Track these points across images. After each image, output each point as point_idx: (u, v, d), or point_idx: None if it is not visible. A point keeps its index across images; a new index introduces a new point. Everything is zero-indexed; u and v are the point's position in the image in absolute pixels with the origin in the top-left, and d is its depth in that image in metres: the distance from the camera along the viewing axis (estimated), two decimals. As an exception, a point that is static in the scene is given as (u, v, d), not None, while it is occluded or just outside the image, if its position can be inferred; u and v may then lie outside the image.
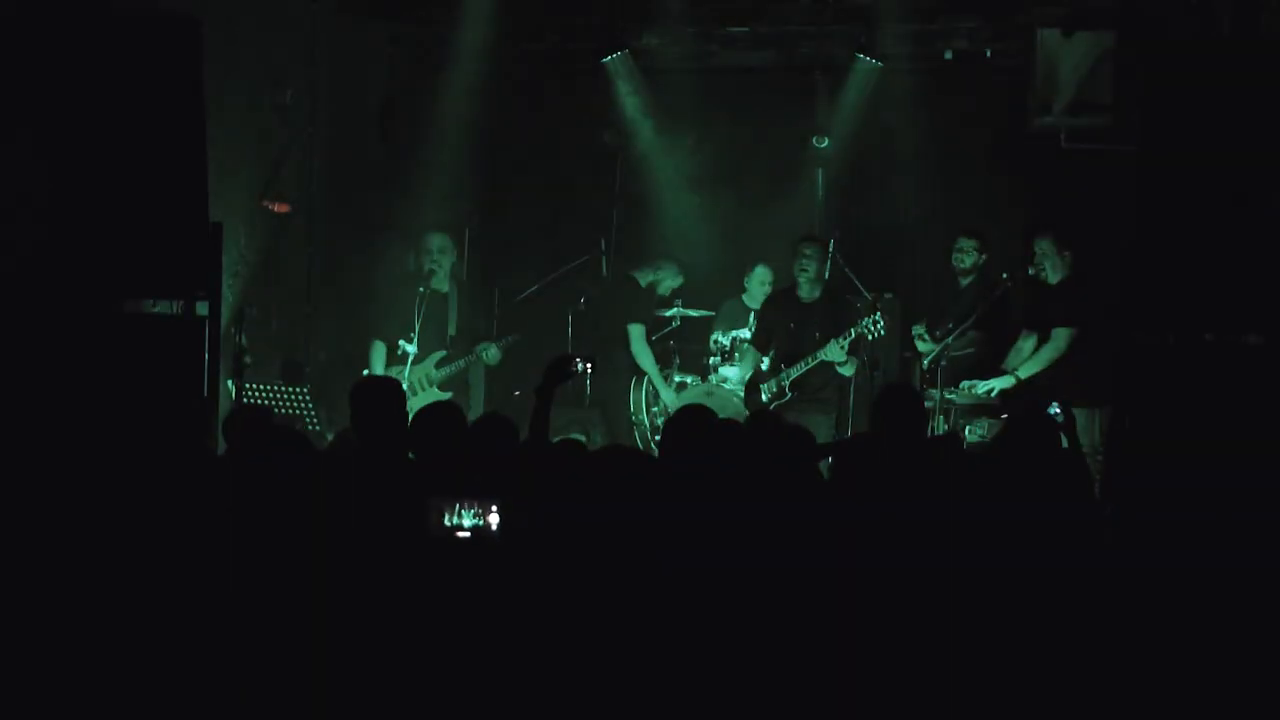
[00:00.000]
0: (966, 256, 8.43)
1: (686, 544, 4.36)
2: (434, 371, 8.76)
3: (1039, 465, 4.96)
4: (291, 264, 9.66)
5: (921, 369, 8.37)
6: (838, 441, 7.61)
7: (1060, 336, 7.97)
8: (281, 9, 9.33)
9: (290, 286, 9.63)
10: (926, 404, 7.22)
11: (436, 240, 8.90)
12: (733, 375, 9.16)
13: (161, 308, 5.82)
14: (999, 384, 7.99)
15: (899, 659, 4.29)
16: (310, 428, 8.22)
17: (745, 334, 9.27)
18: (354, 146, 10.06)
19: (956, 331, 8.16)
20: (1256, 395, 5.08)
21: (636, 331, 9.35)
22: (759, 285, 9.40)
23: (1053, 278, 8.09)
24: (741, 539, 4.42)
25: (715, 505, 4.55)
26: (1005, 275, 8.21)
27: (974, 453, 7.46)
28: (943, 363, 7.99)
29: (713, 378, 9.27)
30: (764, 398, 8.60)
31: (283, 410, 8.29)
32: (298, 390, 8.44)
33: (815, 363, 8.46)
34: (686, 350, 9.73)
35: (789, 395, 8.55)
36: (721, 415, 5.64)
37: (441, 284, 8.85)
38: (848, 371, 8.56)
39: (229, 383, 8.00)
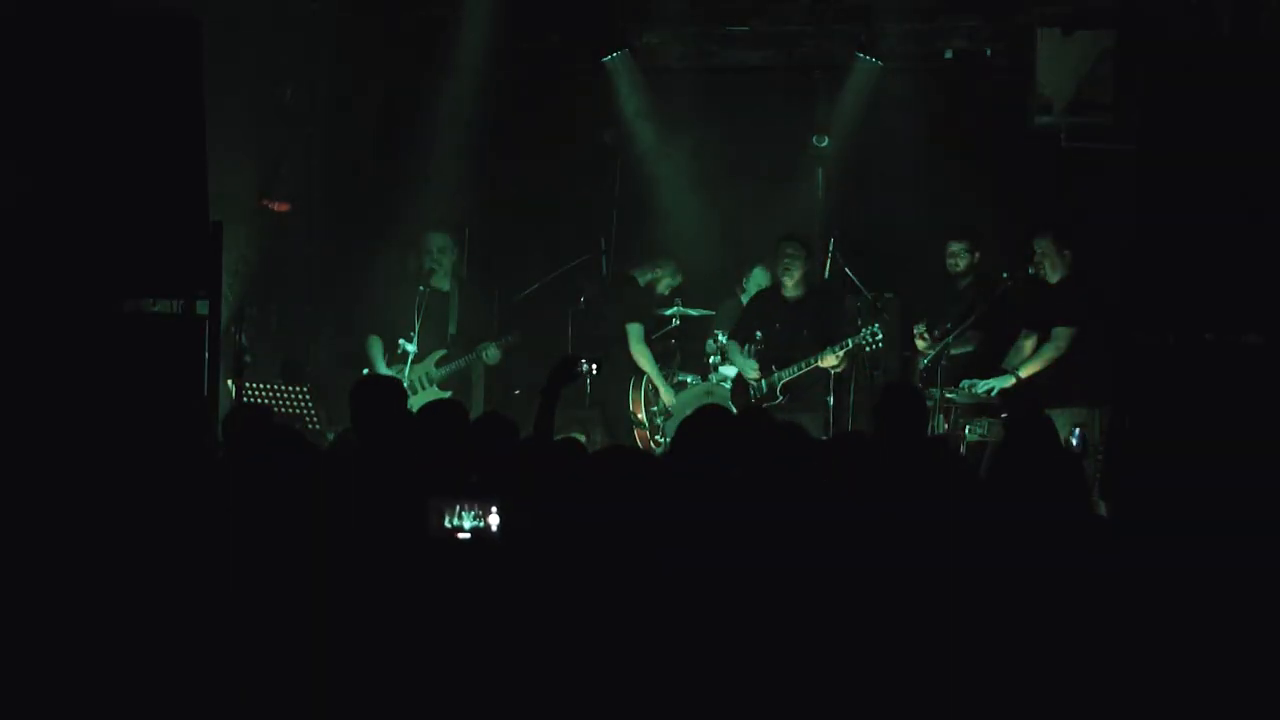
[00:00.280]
0: (959, 259, 8.45)
1: (686, 544, 4.36)
2: (434, 370, 8.76)
3: (1039, 465, 4.96)
4: (291, 264, 9.66)
5: (921, 368, 8.37)
6: (835, 436, 7.60)
7: (1060, 336, 7.96)
8: (282, 8, 9.33)
9: (290, 286, 9.63)
10: (927, 403, 7.21)
11: (437, 240, 8.91)
12: (733, 375, 9.16)
13: (162, 307, 5.81)
14: (999, 383, 7.99)
15: (899, 659, 4.29)
16: (310, 427, 8.22)
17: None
18: (354, 146, 10.06)
19: (956, 331, 8.16)
20: (1256, 395, 5.08)
21: (635, 331, 9.32)
22: (757, 288, 9.39)
23: (1053, 277, 8.09)
24: (741, 539, 4.41)
25: (715, 505, 4.55)
26: (1005, 275, 8.21)
27: (973, 454, 7.48)
28: (943, 362, 7.98)
29: (713, 377, 9.27)
30: (753, 398, 8.61)
31: (283, 410, 8.29)
32: (298, 390, 8.44)
33: (809, 368, 8.46)
34: (687, 349, 9.72)
35: (779, 399, 8.55)
36: (722, 415, 5.63)
37: (442, 283, 8.85)
38: (838, 369, 8.56)
39: (229, 382, 8.00)
